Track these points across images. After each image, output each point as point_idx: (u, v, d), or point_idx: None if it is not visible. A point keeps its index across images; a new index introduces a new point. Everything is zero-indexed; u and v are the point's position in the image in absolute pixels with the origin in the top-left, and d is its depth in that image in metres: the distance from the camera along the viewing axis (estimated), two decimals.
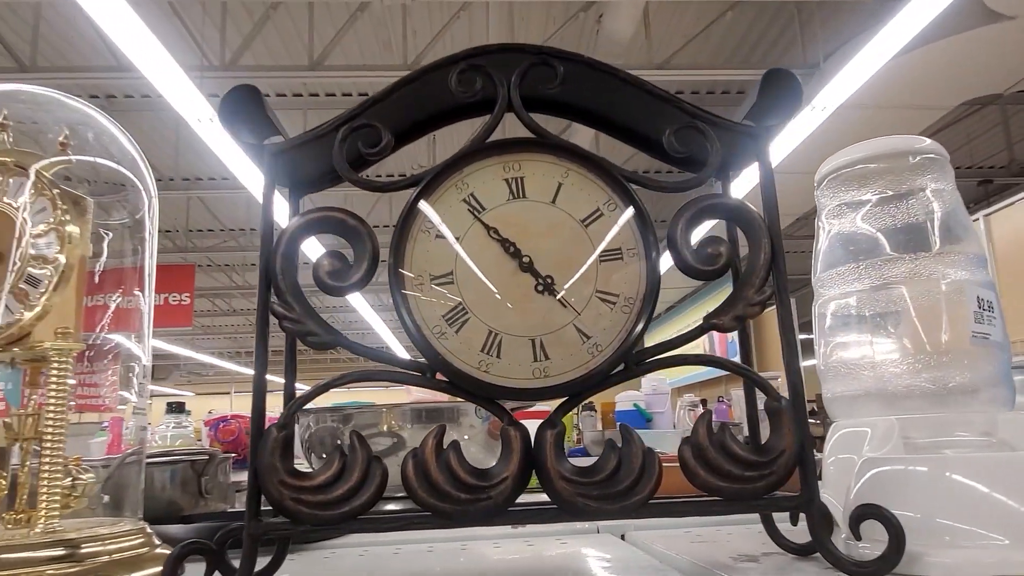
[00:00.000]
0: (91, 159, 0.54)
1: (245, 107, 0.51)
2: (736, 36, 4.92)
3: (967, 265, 0.63)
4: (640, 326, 0.48)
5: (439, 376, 0.48)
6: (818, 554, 0.50)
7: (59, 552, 0.46)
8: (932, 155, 0.67)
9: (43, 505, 0.47)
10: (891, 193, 0.67)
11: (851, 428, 0.63)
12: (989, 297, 0.63)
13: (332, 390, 0.49)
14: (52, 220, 0.50)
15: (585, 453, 3.57)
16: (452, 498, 0.45)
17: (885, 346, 0.63)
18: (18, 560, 0.44)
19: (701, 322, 0.49)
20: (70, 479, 0.50)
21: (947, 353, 0.60)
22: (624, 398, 3.62)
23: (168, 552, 0.51)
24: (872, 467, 0.54)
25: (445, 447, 0.46)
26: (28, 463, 0.51)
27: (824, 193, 0.71)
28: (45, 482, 0.47)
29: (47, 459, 0.48)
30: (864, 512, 0.45)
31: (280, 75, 5.10)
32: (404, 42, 4.77)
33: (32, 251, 0.49)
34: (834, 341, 0.67)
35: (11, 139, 0.52)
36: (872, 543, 0.46)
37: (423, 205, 0.49)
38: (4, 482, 0.50)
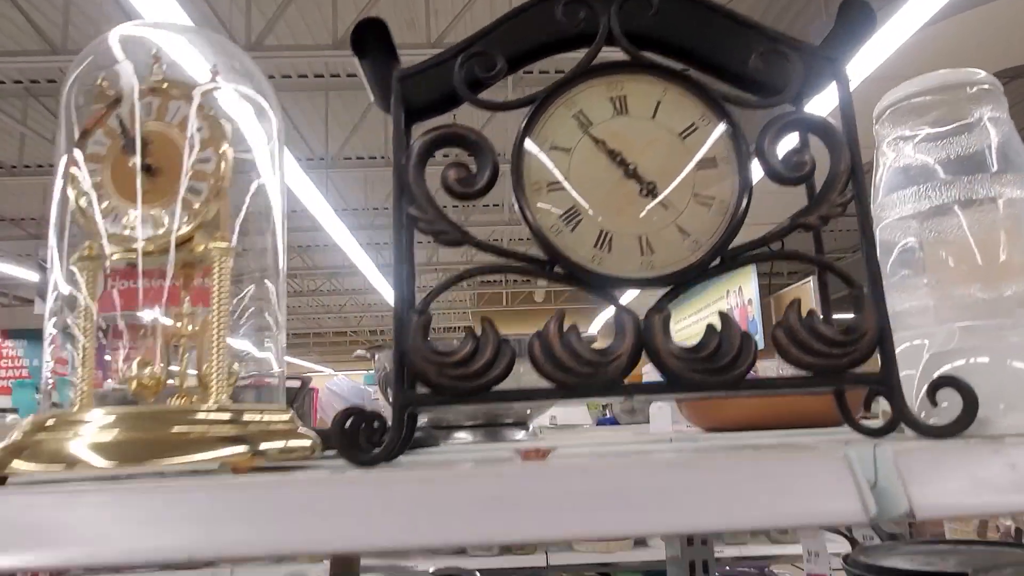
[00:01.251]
0: (237, 86, 0.61)
1: (374, 38, 0.57)
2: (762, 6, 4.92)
3: (1023, 185, 0.69)
4: (733, 226, 0.54)
5: (557, 269, 0.54)
6: (891, 434, 0.56)
7: (226, 416, 0.53)
8: (987, 86, 0.72)
9: (213, 386, 0.54)
10: (949, 122, 0.72)
11: (912, 339, 0.69)
12: None
13: None
14: (209, 138, 0.57)
15: (614, 421, 3.64)
16: (574, 372, 0.51)
17: (943, 261, 0.69)
18: (193, 420, 0.51)
19: (787, 222, 0.55)
20: (230, 367, 0.56)
21: (1005, 266, 0.65)
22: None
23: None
24: (938, 361, 0.60)
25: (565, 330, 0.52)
26: (187, 356, 0.58)
27: (883, 126, 0.76)
28: (215, 368, 0.54)
29: (215, 348, 0.55)
30: (940, 382, 0.51)
31: (304, 55, 5.16)
32: (427, 21, 4.82)
33: (194, 167, 0.56)
34: (892, 260, 0.72)
35: (165, 68, 0.59)
36: (941, 417, 0.51)
37: (538, 121, 0.55)
38: (166, 374, 0.57)
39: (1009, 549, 1.09)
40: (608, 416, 3.64)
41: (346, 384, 3.63)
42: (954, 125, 0.72)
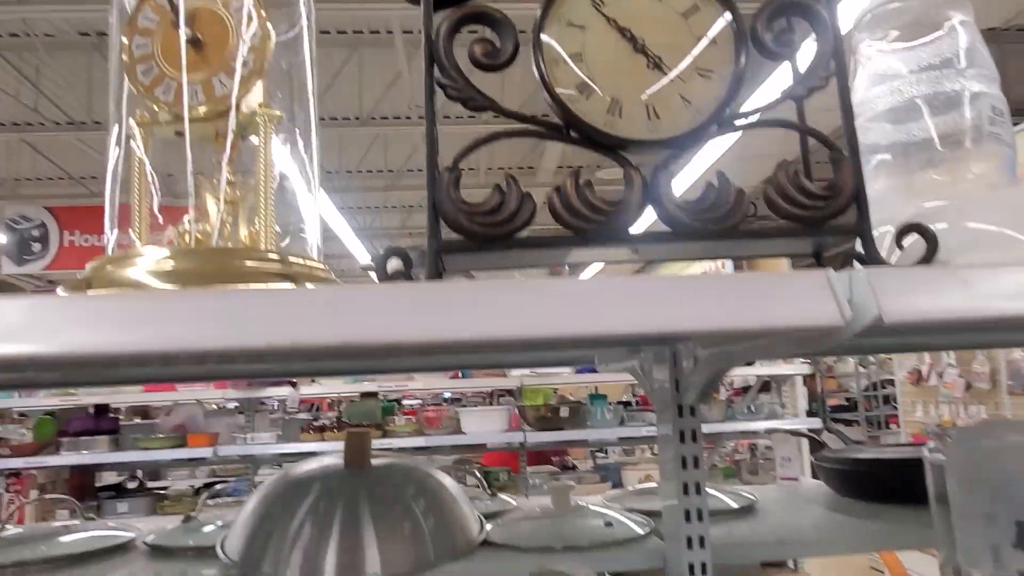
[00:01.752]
0: None
1: None
2: None
3: (985, 81, 0.76)
4: (729, 94, 0.61)
5: (573, 133, 0.60)
6: None
7: (275, 257, 0.58)
8: None
9: (262, 235, 0.60)
10: (922, 25, 0.79)
11: (881, 224, 0.77)
12: (1001, 107, 0.76)
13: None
14: (254, 16, 0.62)
15: (594, 369, 3.74)
16: (589, 220, 0.58)
17: (915, 142, 0.76)
18: (245, 258, 0.57)
19: (779, 95, 0.62)
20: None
21: (969, 145, 0.73)
22: None
23: None
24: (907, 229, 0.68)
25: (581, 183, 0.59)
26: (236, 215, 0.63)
27: (861, 30, 0.83)
28: (264, 220, 0.60)
29: (263, 204, 0.60)
30: (906, 228, 0.58)
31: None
32: None
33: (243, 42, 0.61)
34: (867, 143, 0.79)
35: None
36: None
37: (555, 1, 0.61)
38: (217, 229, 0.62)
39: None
40: (587, 365, 3.74)
41: None
42: (927, 28, 0.79)
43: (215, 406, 3.98)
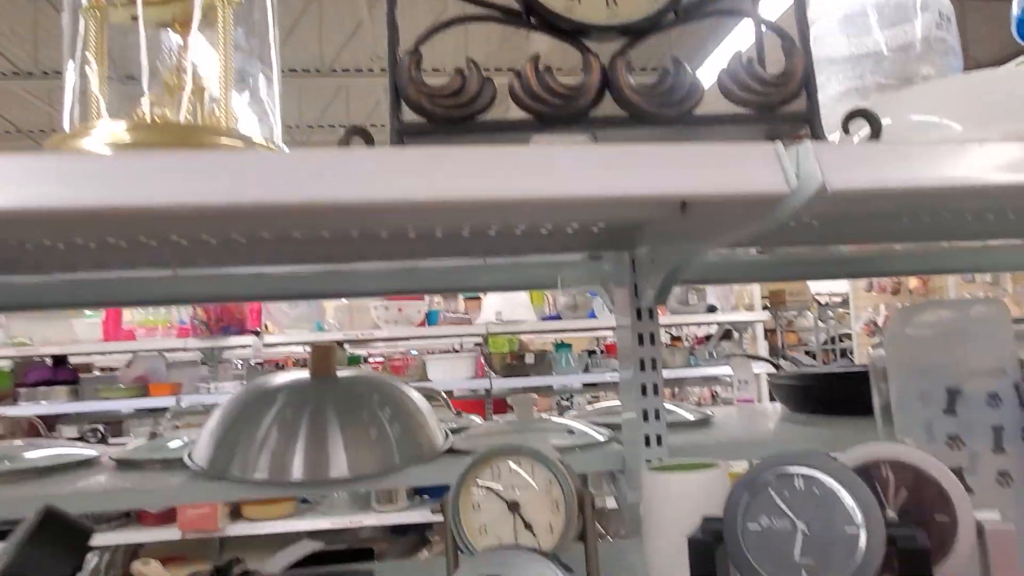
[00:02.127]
0: None
1: None
2: None
3: None
4: None
5: (533, 19, 0.61)
6: None
7: (237, 134, 0.59)
8: None
9: (223, 115, 0.60)
10: None
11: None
12: (949, 13, 0.78)
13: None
14: None
15: (558, 317, 3.78)
16: (549, 104, 0.59)
17: (866, 52, 0.79)
18: (204, 133, 0.57)
19: None
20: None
21: (918, 48, 0.76)
22: None
23: None
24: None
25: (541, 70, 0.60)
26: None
27: None
28: (224, 102, 0.60)
29: (224, 86, 0.60)
30: (852, 114, 0.61)
31: None
32: None
33: None
34: (821, 55, 0.82)
35: None
36: None
37: None
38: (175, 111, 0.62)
39: None
40: (552, 313, 3.79)
41: None
42: None
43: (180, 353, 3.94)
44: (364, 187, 0.47)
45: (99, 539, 2.84)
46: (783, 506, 0.52)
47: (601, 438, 1.02)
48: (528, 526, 0.61)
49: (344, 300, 3.75)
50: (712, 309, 3.76)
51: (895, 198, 0.59)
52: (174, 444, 1.05)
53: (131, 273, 0.95)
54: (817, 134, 0.61)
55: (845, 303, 6.43)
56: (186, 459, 0.94)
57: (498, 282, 1.30)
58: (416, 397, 1.03)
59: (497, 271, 1.25)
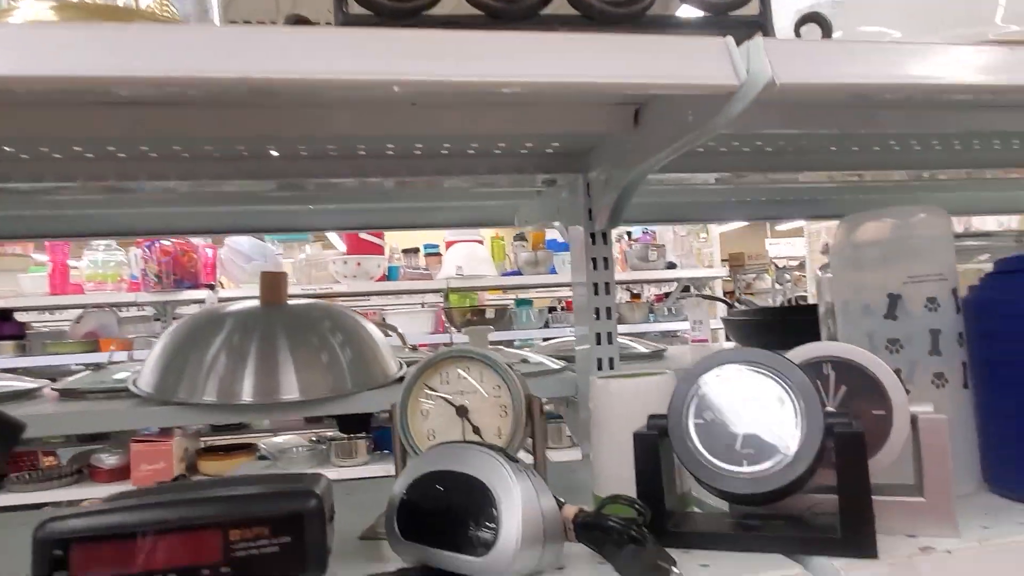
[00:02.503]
0: None
1: None
2: None
3: None
4: None
5: None
6: None
7: (168, 12, 0.56)
8: None
9: (155, 6, 0.57)
10: None
11: None
12: None
13: None
14: None
15: (520, 273, 3.78)
16: None
17: None
18: (140, 11, 0.54)
19: None
20: None
21: None
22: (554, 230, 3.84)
23: None
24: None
25: None
26: None
27: None
28: None
29: None
30: (804, 18, 0.61)
31: None
32: None
33: None
34: None
35: None
36: None
37: None
38: None
39: None
40: (513, 269, 3.79)
41: (247, 241, 3.57)
42: None
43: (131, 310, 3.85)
44: (305, 63, 0.45)
45: (51, 495, 2.78)
46: (725, 400, 0.53)
47: (556, 366, 1.02)
48: (477, 431, 0.61)
49: (303, 255, 3.70)
50: (672, 266, 3.81)
51: (844, 94, 0.59)
52: (120, 375, 1.03)
53: (68, 196, 0.91)
54: (771, 35, 0.61)
55: (802, 267, 6.58)
56: (131, 385, 0.92)
57: (455, 219, 1.29)
58: (370, 327, 1.02)
59: (454, 209, 1.24)
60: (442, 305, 3.77)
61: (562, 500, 0.50)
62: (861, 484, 0.49)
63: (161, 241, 3.40)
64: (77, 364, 3.56)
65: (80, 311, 3.69)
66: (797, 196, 1.22)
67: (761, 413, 0.52)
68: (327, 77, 0.46)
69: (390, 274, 3.64)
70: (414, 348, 1.24)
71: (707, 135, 0.60)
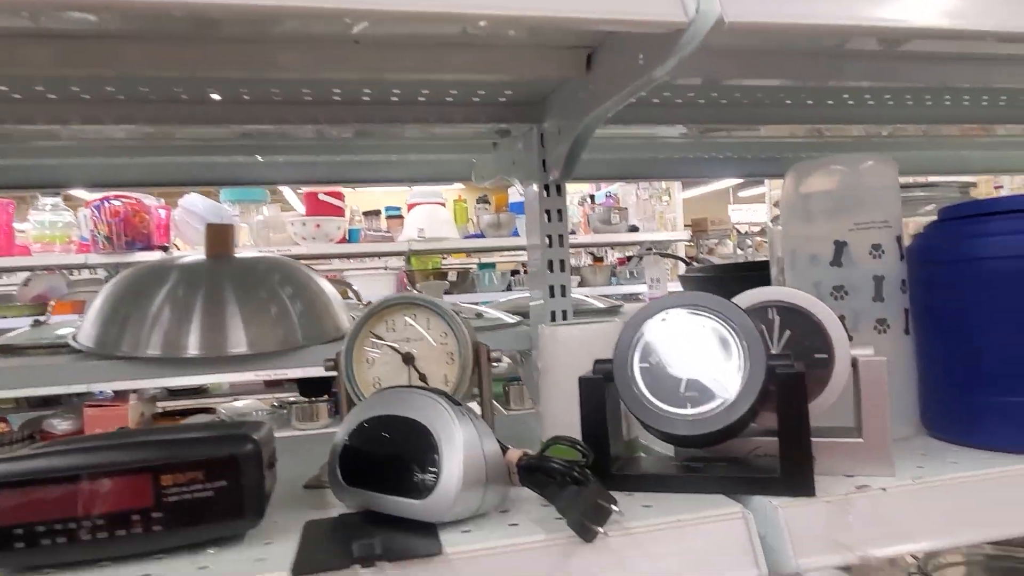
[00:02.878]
0: None
1: None
2: None
3: None
4: None
5: None
6: None
7: None
8: None
9: None
10: None
11: None
12: None
13: None
14: None
15: (482, 235, 3.76)
16: None
17: None
18: None
19: None
20: None
21: None
22: (516, 191, 3.81)
23: None
24: None
25: None
26: None
27: None
28: None
29: None
30: None
31: None
32: None
33: None
34: None
35: None
36: None
37: None
38: None
39: None
40: (475, 232, 3.77)
41: (201, 202, 3.48)
42: None
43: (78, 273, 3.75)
44: None
45: None
46: (670, 344, 0.53)
47: (511, 320, 1.02)
48: (423, 378, 0.60)
49: (261, 215, 3.62)
50: (634, 229, 3.82)
51: (796, 35, 0.58)
52: (63, 331, 0.99)
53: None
54: None
55: (763, 232, 6.68)
56: (71, 340, 0.89)
57: (411, 174, 1.26)
58: (321, 281, 1.00)
59: (410, 164, 1.21)
60: (404, 268, 3.75)
61: (507, 446, 0.50)
62: (801, 424, 0.49)
63: (111, 201, 3.30)
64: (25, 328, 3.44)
65: (28, 274, 3.57)
66: (756, 153, 1.22)
67: (705, 356, 0.52)
68: (276, 3, 0.44)
69: (351, 236, 3.59)
70: (368, 304, 1.22)
71: (658, 78, 0.59)
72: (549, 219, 0.89)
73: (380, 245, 3.61)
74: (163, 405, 3.13)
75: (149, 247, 3.34)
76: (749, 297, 0.58)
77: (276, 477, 0.52)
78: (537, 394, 0.91)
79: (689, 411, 0.50)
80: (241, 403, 3.24)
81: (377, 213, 3.74)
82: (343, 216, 3.48)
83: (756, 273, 1.13)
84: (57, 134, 0.81)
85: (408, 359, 0.60)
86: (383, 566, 0.40)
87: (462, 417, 0.47)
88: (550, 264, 0.90)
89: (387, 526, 0.46)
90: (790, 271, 0.71)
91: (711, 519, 0.46)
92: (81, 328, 0.90)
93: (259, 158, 1.07)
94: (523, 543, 0.43)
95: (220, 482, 0.43)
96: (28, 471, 0.41)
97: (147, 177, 1.14)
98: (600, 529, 0.43)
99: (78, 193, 3.24)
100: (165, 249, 3.42)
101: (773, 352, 0.56)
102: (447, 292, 3.62)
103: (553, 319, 0.90)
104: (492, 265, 4.01)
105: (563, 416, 0.60)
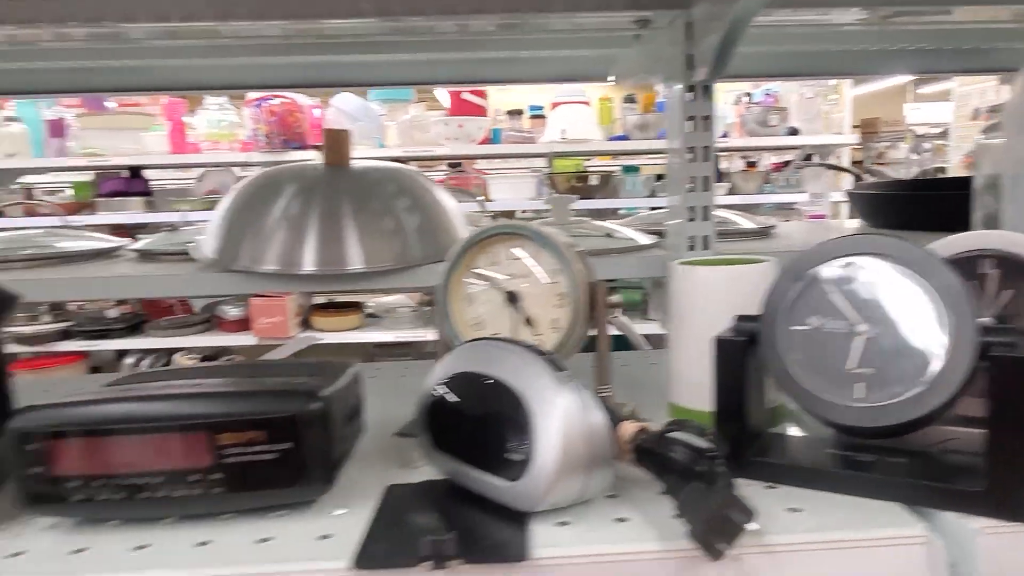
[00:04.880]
0: None
1: None
2: None
3: None
4: None
5: None
6: None
7: None
8: None
9: None
10: None
11: None
12: None
13: None
14: None
15: (627, 138, 3.58)
16: None
17: None
18: None
19: None
20: None
21: None
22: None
23: None
24: None
25: None
26: None
27: None
28: None
29: None
30: None
31: None
32: None
33: None
34: None
35: None
36: None
37: None
38: None
39: None
40: (621, 134, 3.56)
41: (352, 101, 3.52)
42: None
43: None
44: None
45: (182, 341, 3.02)
46: (840, 303, 0.41)
47: (644, 241, 0.90)
48: (529, 321, 0.51)
49: (406, 116, 3.62)
50: (794, 132, 3.44)
51: None
52: (198, 237, 1.00)
53: (163, 41, 0.85)
54: None
55: (944, 135, 5.85)
56: (193, 251, 0.89)
57: (546, 73, 1.15)
58: (440, 193, 0.93)
59: (544, 61, 1.10)
60: (545, 170, 3.64)
61: (621, 416, 0.41)
62: (1022, 424, 0.36)
63: (269, 101, 3.42)
64: (201, 220, 3.74)
65: (202, 170, 3.83)
66: (947, 43, 0.99)
67: (889, 323, 0.39)
68: None
69: (493, 137, 3.53)
70: (494, 217, 1.15)
71: None
72: (694, 127, 0.75)
73: (521, 147, 3.51)
74: (318, 298, 3.31)
75: (303, 147, 3.45)
76: (954, 244, 0.44)
77: (361, 427, 0.47)
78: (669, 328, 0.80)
79: (862, 396, 0.39)
80: (389, 298, 3.37)
81: (520, 113, 3.63)
82: (485, 116, 3.41)
83: (948, 193, 0.92)
84: (218, 32, 0.79)
85: (512, 299, 0.51)
86: (457, 567, 0.33)
87: (564, 385, 0.38)
88: (692, 181, 0.77)
89: (471, 508, 0.39)
90: (1011, 201, 0.54)
91: (884, 542, 0.35)
92: (204, 238, 0.89)
93: (404, 56, 1.01)
94: (629, 552, 0.35)
95: (282, 444, 0.38)
96: (85, 421, 0.37)
97: (301, 77, 1.14)
98: (728, 547, 0.33)
99: (239, 94, 3.38)
100: (318, 148, 3.52)
101: (986, 322, 0.42)
102: (587, 196, 3.49)
103: (692, 246, 0.78)
104: (636, 168, 3.81)
105: (697, 374, 0.50)
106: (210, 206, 3.47)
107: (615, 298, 0.50)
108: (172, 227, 1.05)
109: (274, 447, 0.38)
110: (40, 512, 0.38)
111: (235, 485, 0.38)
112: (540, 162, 4.11)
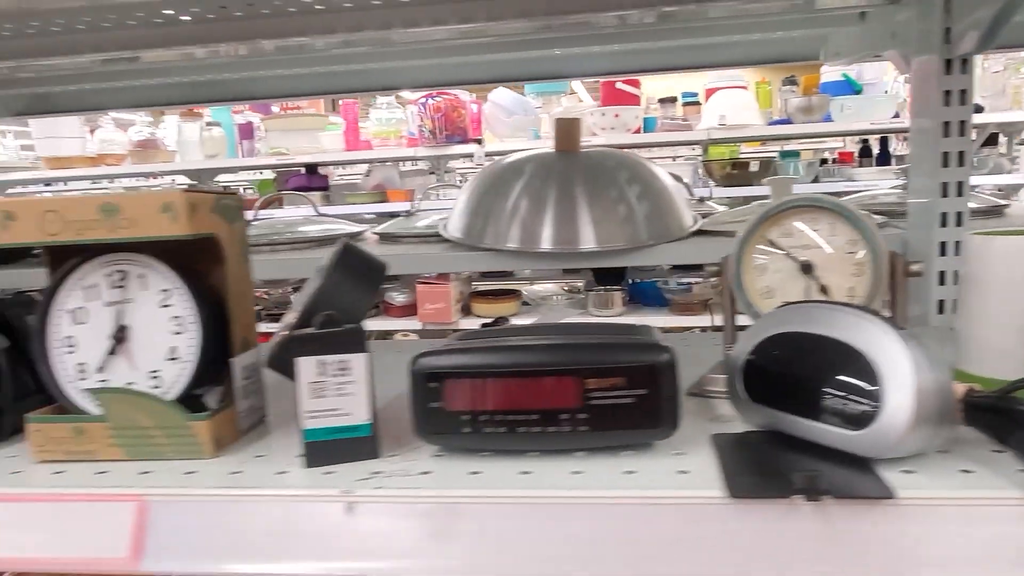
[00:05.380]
0: None
1: None
2: None
3: None
4: None
5: None
6: None
7: None
8: None
9: None
10: None
11: None
12: None
13: None
14: None
15: (789, 121, 3.45)
16: None
17: None
18: None
19: None
20: None
21: None
22: (828, 69, 3.37)
23: None
24: None
25: None
26: None
27: None
28: None
29: None
30: None
31: None
32: None
33: None
34: None
35: None
36: None
37: None
38: None
39: None
40: (781, 118, 3.44)
41: (508, 95, 3.63)
42: None
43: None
44: None
45: None
46: None
47: (877, 219, 0.90)
48: (824, 290, 0.54)
49: (559, 108, 3.69)
50: (979, 109, 3.17)
51: None
52: (422, 223, 1.10)
53: (345, 49, 0.95)
54: None
55: None
56: (441, 230, 0.97)
57: (749, 55, 1.15)
58: (665, 178, 0.97)
59: (733, 45, 1.10)
60: (700, 158, 3.59)
61: None
62: None
63: (433, 98, 3.59)
64: (368, 213, 4.01)
65: (368, 166, 4.09)
66: None
67: None
68: None
69: (646, 126, 3.52)
70: (700, 200, 1.17)
71: None
72: (948, 101, 0.74)
73: (678, 134, 3.48)
74: (476, 285, 3.45)
75: (465, 140, 3.60)
76: None
77: None
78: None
79: None
80: (540, 287, 3.45)
81: (673, 100, 3.59)
82: (639, 105, 3.40)
83: None
84: (390, 40, 0.87)
85: (807, 268, 0.54)
86: (826, 502, 0.37)
87: (909, 342, 0.41)
88: (945, 157, 0.76)
89: (809, 453, 0.43)
90: None
91: None
92: (449, 220, 0.98)
93: (556, 51, 1.05)
94: (990, 497, 0.37)
95: (640, 390, 0.43)
96: (475, 365, 0.44)
97: (463, 76, 1.21)
98: None
99: (404, 93, 3.58)
100: (479, 142, 3.67)
101: None
102: (745, 183, 3.40)
103: (944, 223, 0.77)
104: (796, 153, 3.67)
105: (998, 340, 0.51)
106: (377, 199, 3.71)
107: (916, 267, 0.51)
108: (408, 213, 1.15)
109: (633, 392, 0.43)
110: (437, 441, 0.46)
111: (598, 424, 0.43)
112: (691, 151, 4.05)
